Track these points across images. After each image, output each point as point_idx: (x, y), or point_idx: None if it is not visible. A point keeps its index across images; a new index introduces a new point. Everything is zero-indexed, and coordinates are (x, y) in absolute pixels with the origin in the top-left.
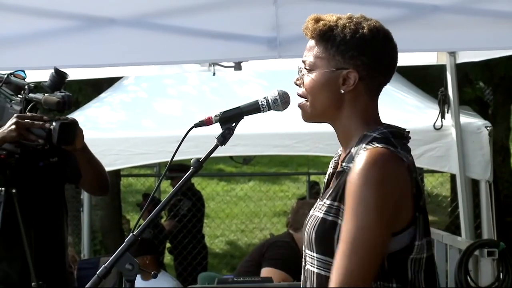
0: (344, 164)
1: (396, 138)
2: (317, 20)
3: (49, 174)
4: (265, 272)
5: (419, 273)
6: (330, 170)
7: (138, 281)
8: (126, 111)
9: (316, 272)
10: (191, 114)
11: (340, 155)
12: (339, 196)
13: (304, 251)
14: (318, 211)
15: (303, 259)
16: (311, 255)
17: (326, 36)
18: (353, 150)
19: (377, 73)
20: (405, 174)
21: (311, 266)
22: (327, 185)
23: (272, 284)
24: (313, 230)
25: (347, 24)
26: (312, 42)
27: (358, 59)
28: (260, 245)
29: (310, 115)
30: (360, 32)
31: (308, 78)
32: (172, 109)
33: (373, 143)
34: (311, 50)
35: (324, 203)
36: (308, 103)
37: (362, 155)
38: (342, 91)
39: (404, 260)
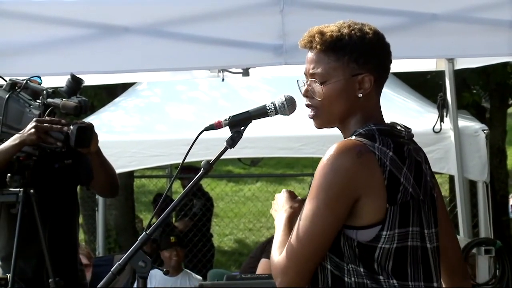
0: None
1: (383, 135)
2: (322, 33)
3: (63, 175)
4: (261, 263)
5: (386, 262)
6: None
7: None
8: (140, 115)
9: None
10: (202, 118)
11: None
12: None
13: None
14: None
15: None
16: None
17: (337, 46)
18: None
19: (384, 72)
20: (370, 166)
21: None
22: None
23: None
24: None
25: (351, 32)
26: (318, 55)
27: (371, 63)
28: (262, 243)
29: (325, 123)
30: (367, 37)
31: (324, 89)
32: (184, 114)
33: (352, 137)
34: (320, 62)
35: None
36: (322, 112)
37: (332, 146)
38: (360, 95)
39: (372, 248)
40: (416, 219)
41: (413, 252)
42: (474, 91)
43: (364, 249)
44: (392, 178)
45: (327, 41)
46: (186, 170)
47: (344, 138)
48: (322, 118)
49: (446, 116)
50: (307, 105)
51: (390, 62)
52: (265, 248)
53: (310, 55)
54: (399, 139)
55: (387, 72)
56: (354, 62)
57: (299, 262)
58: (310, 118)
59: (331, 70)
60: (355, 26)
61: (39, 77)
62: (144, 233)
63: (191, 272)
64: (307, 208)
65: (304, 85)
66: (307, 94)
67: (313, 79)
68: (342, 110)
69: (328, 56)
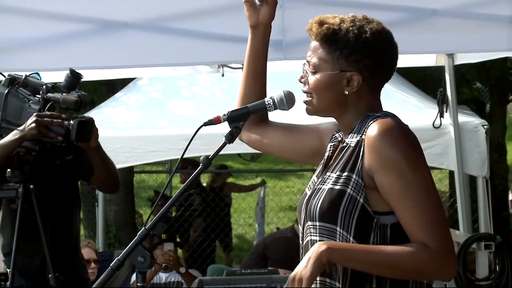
0: (347, 140)
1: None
2: (321, 23)
3: (65, 172)
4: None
5: None
6: (328, 153)
7: None
8: (141, 110)
9: (318, 240)
10: (202, 114)
11: (338, 139)
12: (349, 167)
13: (304, 224)
14: (321, 184)
15: (301, 235)
16: (313, 225)
17: (330, 39)
18: (356, 128)
19: (379, 73)
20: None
21: (313, 235)
22: (327, 163)
23: (278, 275)
24: (318, 201)
25: (350, 28)
26: (316, 44)
27: (361, 62)
28: (263, 239)
29: (314, 111)
30: (363, 36)
31: (313, 79)
32: (184, 109)
33: (379, 117)
34: (315, 52)
35: (329, 176)
36: (313, 100)
37: (374, 126)
38: (346, 92)
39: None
40: None
41: None
42: (474, 86)
43: (397, 230)
44: None
45: (321, 32)
46: (191, 164)
47: (343, 129)
48: (311, 106)
49: (446, 112)
50: (303, 91)
51: (392, 64)
52: (267, 245)
53: (311, 42)
54: None
55: (386, 74)
56: (344, 58)
57: (446, 228)
58: (304, 103)
59: (322, 62)
60: (357, 23)
61: (37, 73)
62: (143, 228)
63: None
64: (413, 185)
65: (304, 71)
66: (302, 80)
67: (308, 67)
68: (329, 103)
69: (322, 48)
